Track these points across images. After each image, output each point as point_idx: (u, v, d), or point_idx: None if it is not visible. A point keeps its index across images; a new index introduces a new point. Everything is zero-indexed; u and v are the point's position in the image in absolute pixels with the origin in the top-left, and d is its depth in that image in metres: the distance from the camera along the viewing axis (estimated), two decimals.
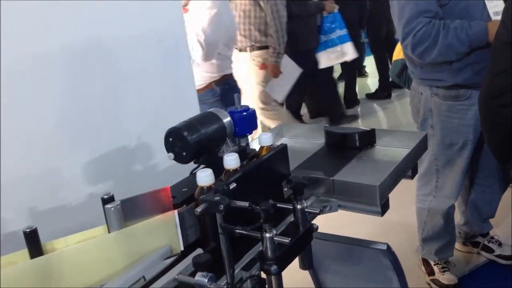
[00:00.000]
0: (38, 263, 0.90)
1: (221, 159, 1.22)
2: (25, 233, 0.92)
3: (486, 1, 1.94)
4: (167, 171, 1.38)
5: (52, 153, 1.35)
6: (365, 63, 6.46)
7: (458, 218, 2.54)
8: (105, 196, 0.97)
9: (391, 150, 1.47)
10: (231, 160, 1.11)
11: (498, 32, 1.45)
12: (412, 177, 1.50)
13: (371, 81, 6.17)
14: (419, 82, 2.18)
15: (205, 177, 1.06)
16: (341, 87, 5.45)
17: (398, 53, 2.62)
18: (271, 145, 1.26)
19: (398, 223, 2.90)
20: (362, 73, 6.35)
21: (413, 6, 1.93)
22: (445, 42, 1.89)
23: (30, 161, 1.31)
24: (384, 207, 1.25)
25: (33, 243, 0.93)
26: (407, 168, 1.43)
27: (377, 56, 5.53)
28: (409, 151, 1.41)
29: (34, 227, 0.92)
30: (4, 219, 1.25)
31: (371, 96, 5.62)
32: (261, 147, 1.27)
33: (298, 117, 4.74)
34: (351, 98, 5.39)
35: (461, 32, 1.88)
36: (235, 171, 1.11)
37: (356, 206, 1.28)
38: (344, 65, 5.35)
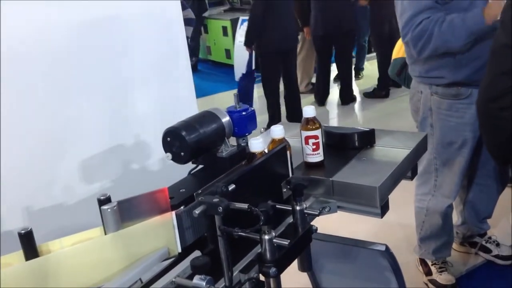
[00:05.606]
0: (33, 265, 0.89)
1: (220, 159, 1.21)
2: (20, 234, 0.90)
3: None
4: (165, 171, 1.37)
5: (48, 153, 1.33)
6: (364, 66, 6.38)
7: (455, 218, 2.53)
8: (102, 197, 0.95)
9: (391, 151, 1.45)
10: (256, 144, 1.17)
11: (497, 34, 1.43)
12: (411, 178, 1.49)
13: (366, 81, 6.13)
14: (419, 80, 2.17)
15: (257, 144, 1.17)
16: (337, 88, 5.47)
17: (397, 52, 2.60)
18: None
19: (395, 223, 2.89)
20: (358, 76, 6.24)
21: (414, 5, 1.93)
22: (439, 32, 1.89)
23: (25, 161, 1.29)
24: (384, 209, 1.24)
25: (28, 244, 0.91)
26: (407, 169, 1.42)
27: (380, 54, 5.44)
28: (409, 152, 1.40)
29: (30, 228, 0.91)
30: (1, 218, 1.24)
31: (368, 95, 5.59)
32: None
33: None
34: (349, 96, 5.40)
35: (458, 20, 1.87)
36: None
37: (355, 208, 1.27)
38: (340, 67, 5.39)
